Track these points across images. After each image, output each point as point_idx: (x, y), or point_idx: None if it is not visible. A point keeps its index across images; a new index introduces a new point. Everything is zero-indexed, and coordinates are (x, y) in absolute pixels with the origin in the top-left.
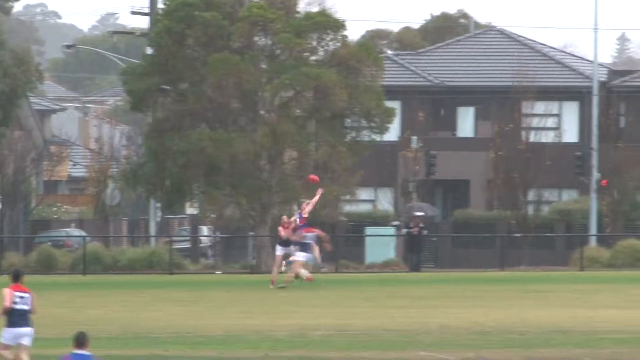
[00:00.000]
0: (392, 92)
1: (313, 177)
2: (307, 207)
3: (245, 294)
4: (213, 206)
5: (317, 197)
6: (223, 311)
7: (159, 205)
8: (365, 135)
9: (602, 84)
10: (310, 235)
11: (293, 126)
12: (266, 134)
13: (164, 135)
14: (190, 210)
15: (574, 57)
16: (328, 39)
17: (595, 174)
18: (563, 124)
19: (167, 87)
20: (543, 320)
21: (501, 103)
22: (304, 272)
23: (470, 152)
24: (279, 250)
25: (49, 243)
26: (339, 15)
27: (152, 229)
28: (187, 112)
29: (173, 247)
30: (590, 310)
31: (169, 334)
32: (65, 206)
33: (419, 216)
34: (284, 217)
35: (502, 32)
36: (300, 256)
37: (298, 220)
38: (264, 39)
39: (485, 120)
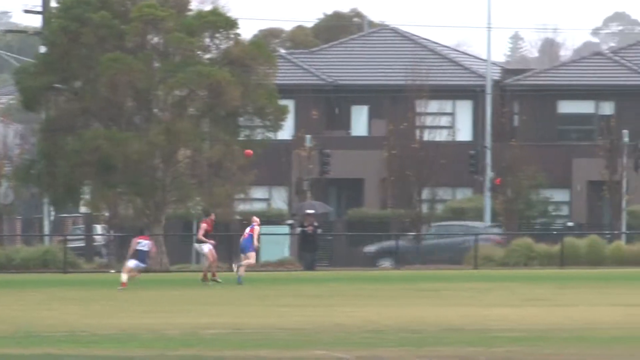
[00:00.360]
0: (286, 91)
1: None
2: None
3: (140, 292)
4: (105, 204)
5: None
6: (118, 310)
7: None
8: (259, 134)
9: (496, 83)
10: (145, 242)
11: (187, 125)
12: (160, 132)
13: (57, 134)
14: (85, 209)
15: (468, 56)
16: (221, 37)
17: (489, 173)
18: (457, 123)
19: (60, 86)
20: (437, 318)
21: (395, 102)
22: (124, 277)
23: (365, 151)
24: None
25: None
26: (231, 13)
27: (46, 228)
28: (81, 110)
29: (67, 245)
30: (483, 308)
31: (63, 333)
32: None
33: (312, 214)
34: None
35: (395, 31)
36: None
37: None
38: (156, 38)
39: (379, 119)
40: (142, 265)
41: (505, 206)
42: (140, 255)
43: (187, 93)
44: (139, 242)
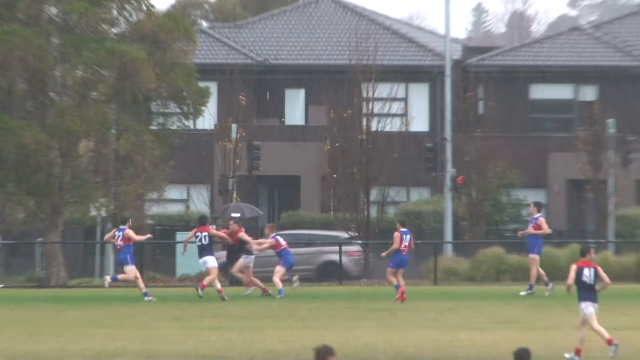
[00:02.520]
0: (207, 71)
1: None
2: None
3: (32, 312)
4: None
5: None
6: (3, 333)
7: None
8: (175, 122)
9: (456, 63)
10: None
11: (90, 111)
12: (59, 120)
13: None
14: None
15: (423, 32)
16: (130, 8)
17: (450, 169)
18: (411, 110)
19: None
20: (391, 344)
21: (337, 85)
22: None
23: (301, 143)
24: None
25: None
26: None
27: None
28: None
29: None
30: (446, 332)
31: None
32: None
33: (235, 218)
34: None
35: (337, 2)
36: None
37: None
38: (54, 9)
39: (318, 105)
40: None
41: (470, 209)
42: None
43: (90, 74)
44: (197, 235)
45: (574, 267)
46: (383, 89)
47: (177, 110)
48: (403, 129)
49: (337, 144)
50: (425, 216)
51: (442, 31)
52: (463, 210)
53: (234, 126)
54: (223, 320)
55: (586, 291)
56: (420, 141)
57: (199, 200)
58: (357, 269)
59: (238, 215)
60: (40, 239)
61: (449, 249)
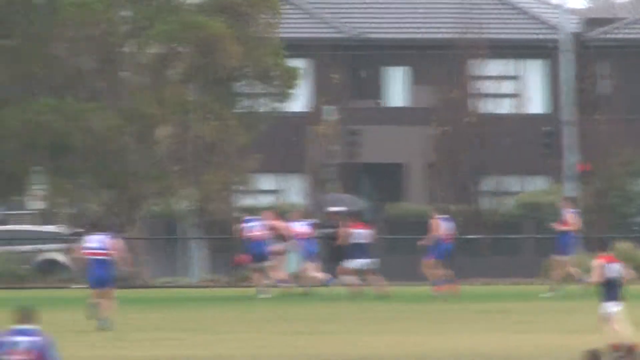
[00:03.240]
0: (295, 47)
1: None
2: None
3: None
4: (62, 200)
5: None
6: (83, 338)
7: None
8: (263, 104)
9: (575, 37)
10: None
11: (166, 92)
12: (133, 102)
13: None
14: (35, 203)
15: (537, 2)
16: None
17: (570, 156)
18: (525, 90)
19: None
20: (507, 349)
21: (442, 62)
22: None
23: (405, 127)
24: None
25: None
26: None
27: None
28: (22, 75)
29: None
30: (569, 335)
31: None
32: None
33: (335, 212)
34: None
35: None
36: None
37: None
38: None
39: (422, 85)
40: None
41: (596, 200)
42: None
43: (167, 51)
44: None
45: (600, 263)
46: (494, 66)
47: (264, 91)
48: (516, 111)
49: (446, 128)
50: (545, 208)
51: (557, 0)
52: (587, 202)
53: (329, 108)
54: (315, 324)
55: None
56: (536, 124)
57: (293, 191)
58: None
59: (340, 209)
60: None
61: None
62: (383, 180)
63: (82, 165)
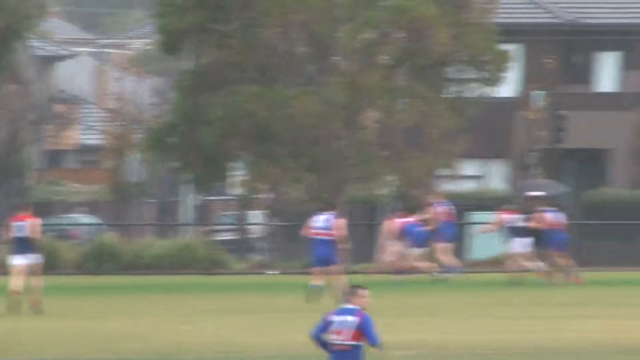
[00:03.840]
0: (509, 32)
1: None
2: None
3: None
4: (265, 184)
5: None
6: (289, 324)
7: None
8: (473, 89)
9: None
10: None
11: (377, 77)
12: (342, 87)
13: (203, 91)
14: (238, 190)
15: None
16: None
17: None
18: None
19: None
20: None
21: None
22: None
23: (613, 113)
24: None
25: (51, 233)
26: None
27: (186, 215)
28: (236, 61)
29: (213, 238)
30: None
31: (212, 355)
32: (73, 184)
33: (535, 197)
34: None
35: None
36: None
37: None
38: None
39: (635, 70)
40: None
41: None
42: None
43: (378, 36)
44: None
45: None
46: None
47: (475, 76)
48: None
49: None
50: None
51: None
52: None
53: (539, 93)
54: (538, 308)
55: None
56: None
57: (497, 177)
58: None
59: (540, 193)
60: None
61: None
62: (587, 166)
63: (284, 151)
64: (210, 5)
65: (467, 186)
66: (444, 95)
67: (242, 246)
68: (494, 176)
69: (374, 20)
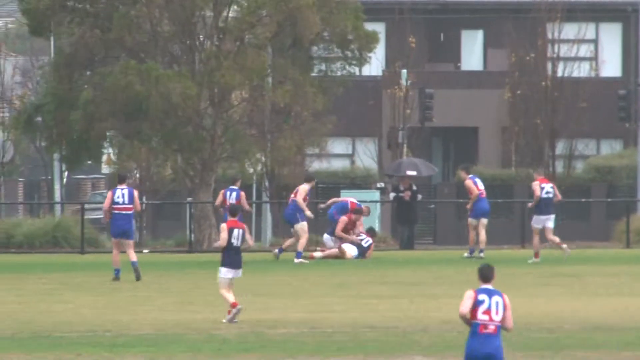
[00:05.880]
0: (374, 11)
1: None
2: None
3: (180, 279)
4: (135, 163)
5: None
6: (151, 302)
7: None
8: (339, 69)
9: None
10: None
11: (246, 57)
12: (209, 68)
13: (72, 70)
14: (108, 168)
15: None
16: None
17: None
18: (601, 53)
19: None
20: (576, 312)
21: (519, 26)
22: None
23: (479, 91)
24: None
25: None
26: None
27: (57, 194)
28: (103, 40)
29: (85, 217)
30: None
31: (80, 333)
32: None
33: (410, 176)
34: None
35: None
36: None
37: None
38: None
39: (498, 49)
40: None
41: None
42: None
43: (247, 15)
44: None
45: None
46: (570, 30)
47: (341, 55)
48: (592, 75)
49: (519, 92)
50: (618, 172)
51: None
52: None
53: (404, 72)
54: (394, 287)
55: None
56: (612, 88)
57: (366, 155)
58: None
59: (414, 173)
60: (189, 199)
61: None
62: (457, 144)
63: (156, 129)
64: None
65: (337, 164)
66: (311, 75)
67: None
68: (363, 154)
69: (255, 5)
